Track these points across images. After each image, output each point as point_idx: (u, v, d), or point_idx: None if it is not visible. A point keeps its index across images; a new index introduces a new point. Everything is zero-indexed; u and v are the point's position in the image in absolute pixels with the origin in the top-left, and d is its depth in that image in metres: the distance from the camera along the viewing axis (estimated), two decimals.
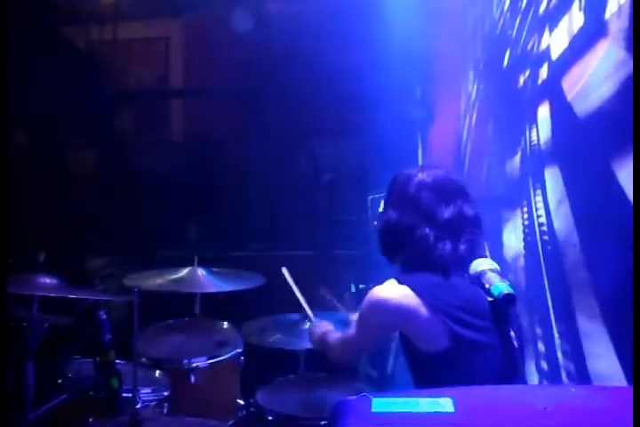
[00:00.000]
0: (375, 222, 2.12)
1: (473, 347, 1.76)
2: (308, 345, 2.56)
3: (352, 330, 2.06)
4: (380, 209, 2.05)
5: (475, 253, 1.88)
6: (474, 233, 1.92)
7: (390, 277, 1.91)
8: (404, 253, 1.95)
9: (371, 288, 2.01)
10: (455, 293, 1.82)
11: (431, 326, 1.79)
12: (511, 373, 1.56)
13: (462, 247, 1.88)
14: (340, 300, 2.85)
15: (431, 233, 1.88)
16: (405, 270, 1.94)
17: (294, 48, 4.06)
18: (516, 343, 1.87)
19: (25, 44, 4.07)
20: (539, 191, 2.68)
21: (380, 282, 1.93)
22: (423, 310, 1.81)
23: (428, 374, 1.82)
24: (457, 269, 1.86)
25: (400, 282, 1.87)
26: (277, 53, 4.21)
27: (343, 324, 2.40)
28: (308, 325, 2.83)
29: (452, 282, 1.85)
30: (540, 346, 2.60)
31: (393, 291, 1.86)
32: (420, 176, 1.96)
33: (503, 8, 3.29)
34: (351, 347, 2.11)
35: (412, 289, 1.84)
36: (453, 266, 1.86)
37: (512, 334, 1.86)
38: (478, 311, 1.74)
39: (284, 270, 2.85)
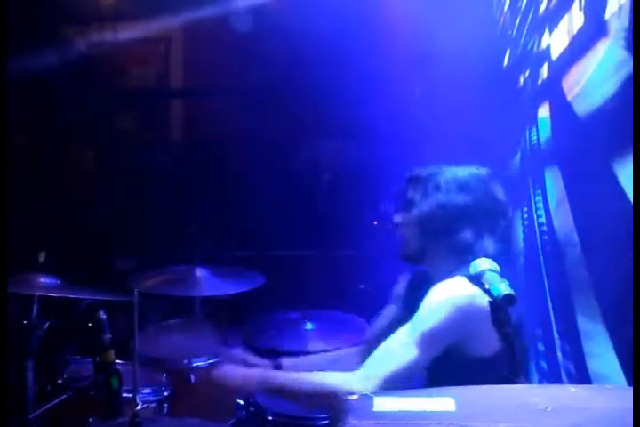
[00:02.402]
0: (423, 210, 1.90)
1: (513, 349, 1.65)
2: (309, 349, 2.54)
3: (406, 351, 1.73)
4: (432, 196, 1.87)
5: None
6: None
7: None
8: (466, 240, 1.82)
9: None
10: None
11: (490, 330, 1.66)
12: (513, 372, 1.54)
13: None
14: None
15: (503, 220, 1.85)
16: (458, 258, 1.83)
17: (294, 48, 4.06)
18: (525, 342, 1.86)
19: (25, 43, 4.06)
20: (539, 191, 2.68)
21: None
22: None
23: (465, 381, 1.68)
24: None
25: (471, 281, 1.71)
26: (277, 53, 4.21)
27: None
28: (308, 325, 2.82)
29: None
30: (540, 346, 2.60)
31: (472, 291, 1.70)
32: (488, 172, 1.91)
33: (503, 8, 3.29)
34: (407, 372, 1.72)
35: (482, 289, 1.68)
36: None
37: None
38: None
39: None
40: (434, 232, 1.87)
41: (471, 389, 1.24)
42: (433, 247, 1.90)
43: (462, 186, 1.85)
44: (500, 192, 1.89)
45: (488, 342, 1.71)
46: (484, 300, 1.66)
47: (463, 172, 1.90)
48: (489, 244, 1.82)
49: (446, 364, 1.75)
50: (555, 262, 2.49)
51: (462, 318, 1.71)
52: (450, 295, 1.74)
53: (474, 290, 1.71)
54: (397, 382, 1.71)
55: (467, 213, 1.82)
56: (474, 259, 1.72)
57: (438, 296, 1.75)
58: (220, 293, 3.03)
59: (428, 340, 1.72)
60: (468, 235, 1.82)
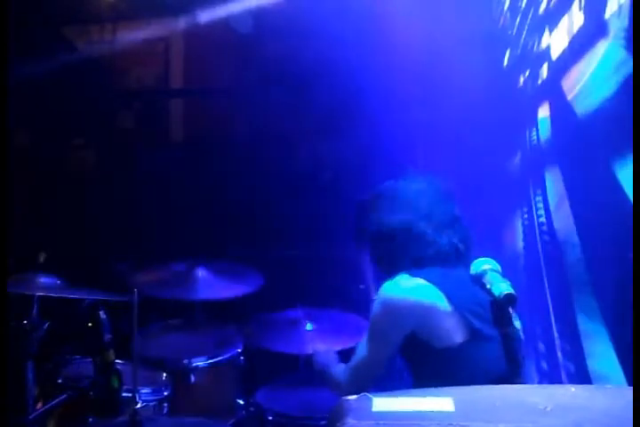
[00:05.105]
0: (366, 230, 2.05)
1: (485, 340, 1.73)
2: (309, 350, 2.55)
3: (362, 349, 1.91)
4: (373, 217, 2.00)
5: (470, 247, 1.92)
6: (466, 229, 1.95)
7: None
8: (405, 253, 1.91)
9: (371, 288, 2.01)
10: (465, 285, 1.78)
11: (449, 320, 1.76)
12: (513, 371, 1.55)
13: (458, 241, 1.91)
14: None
15: (428, 229, 1.89)
16: (412, 267, 1.89)
17: (293, 48, 4.06)
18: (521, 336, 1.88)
19: (25, 43, 4.06)
20: (539, 191, 2.68)
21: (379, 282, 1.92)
22: (442, 304, 1.77)
23: (436, 371, 1.76)
24: (458, 264, 1.86)
25: (413, 275, 1.81)
26: (277, 53, 4.21)
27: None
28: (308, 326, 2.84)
29: (459, 274, 1.83)
30: (540, 346, 2.60)
31: (409, 285, 1.80)
32: (414, 182, 1.99)
33: (503, 8, 3.29)
34: (364, 369, 1.90)
35: (428, 281, 1.79)
36: (454, 260, 1.87)
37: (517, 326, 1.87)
38: (485, 305, 1.71)
39: None
40: (383, 247, 1.98)
41: (471, 389, 1.24)
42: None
43: (410, 201, 1.93)
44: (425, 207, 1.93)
45: (446, 334, 1.76)
46: (425, 293, 1.77)
47: (411, 187, 1.97)
48: (419, 256, 1.88)
49: (416, 356, 1.84)
50: (555, 262, 2.49)
51: (398, 311, 1.80)
52: (382, 295, 1.84)
53: (411, 284, 1.79)
54: (365, 375, 1.89)
55: (410, 225, 1.89)
56: (425, 258, 1.85)
57: (377, 296, 1.87)
58: (220, 296, 3.02)
59: (373, 337, 1.86)
60: (414, 243, 1.89)
